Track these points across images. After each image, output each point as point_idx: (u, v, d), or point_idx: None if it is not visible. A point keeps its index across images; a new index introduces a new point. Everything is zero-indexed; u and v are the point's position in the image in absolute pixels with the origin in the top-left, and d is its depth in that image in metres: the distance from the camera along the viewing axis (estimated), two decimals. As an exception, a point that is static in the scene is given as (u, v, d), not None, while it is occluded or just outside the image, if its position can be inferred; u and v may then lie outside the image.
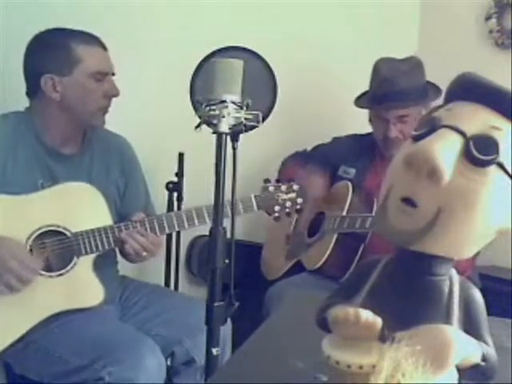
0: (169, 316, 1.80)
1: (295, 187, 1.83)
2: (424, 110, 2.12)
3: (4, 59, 1.85)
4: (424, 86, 2.14)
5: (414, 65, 2.14)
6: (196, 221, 1.75)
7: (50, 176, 1.74)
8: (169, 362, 1.79)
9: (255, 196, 1.80)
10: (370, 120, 2.21)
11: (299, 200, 1.83)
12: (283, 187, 1.82)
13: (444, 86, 0.78)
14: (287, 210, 1.83)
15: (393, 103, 2.08)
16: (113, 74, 1.78)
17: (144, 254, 1.73)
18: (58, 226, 1.68)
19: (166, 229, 1.75)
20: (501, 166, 0.68)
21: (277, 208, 1.82)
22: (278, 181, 1.86)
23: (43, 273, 1.64)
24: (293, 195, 1.82)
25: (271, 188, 1.82)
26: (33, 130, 1.75)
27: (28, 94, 1.78)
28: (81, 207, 1.73)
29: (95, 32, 1.78)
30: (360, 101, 2.23)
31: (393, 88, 2.08)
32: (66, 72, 1.70)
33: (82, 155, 1.83)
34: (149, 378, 1.57)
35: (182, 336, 1.75)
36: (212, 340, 1.33)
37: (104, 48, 1.76)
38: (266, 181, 1.84)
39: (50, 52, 1.70)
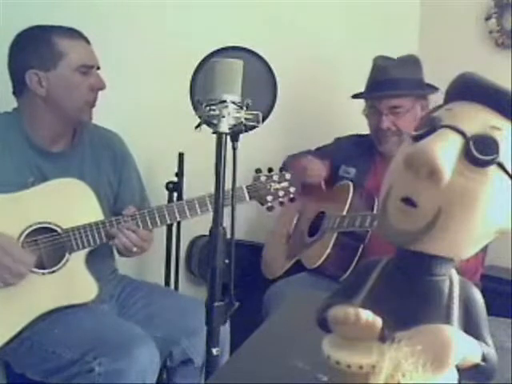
0: (167, 317, 1.78)
1: (287, 176, 1.82)
2: (419, 106, 2.13)
3: (3, 59, 1.85)
4: (419, 80, 2.17)
5: (409, 59, 2.19)
6: (188, 213, 1.74)
7: (40, 175, 1.73)
8: (168, 362, 1.79)
9: (247, 186, 1.79)
10: (365, 112, 2.22)
11: (292, 189, 1.81)
12: (275, 176, 1.81)
13: (444, 86, 0.78)
14: (280, 199, 1.82)
15: (384, 92, 2.11)
16: (98, 68, 1.78)
17: (134, 249, 1.73)
18: (49, 223, 1.67)
19: (158, 222, 1.74)
20: (501, 166, 0.68)
21: (269, 198, 1.81)
22: (269, 170, 1.83)
23: (36, 270, 1.64)
24: (285, 184, 1.81)
25: (263, 178, 1.81)
26: (21, 130, 1.75)
27: (14, 93, 1.77)
28: (71, 203, 1.72)
29: (95, 32, 1.78)
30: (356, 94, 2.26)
31: (385, 77, 2.13)
32: (50, 67, 1.69)
33: (73, 153, 1.82)
34: (140, 368, 1.56)
35: (179, 336, 1.75)
36: (212, 340, 1.33)
37: (87, 41, 1.75)
38: (258, 171, 1.82)
39: (33, 48, 1.70)
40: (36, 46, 1.70)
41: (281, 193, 1.81)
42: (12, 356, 1.69)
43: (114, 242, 1.72)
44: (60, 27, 1.73)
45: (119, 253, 1.84)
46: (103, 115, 1.84)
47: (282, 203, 1.84)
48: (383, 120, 2.11)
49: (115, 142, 1.93)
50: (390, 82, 2.11)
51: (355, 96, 2.25)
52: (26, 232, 1.65)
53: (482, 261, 2.07)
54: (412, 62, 2.18)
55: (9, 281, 1.58)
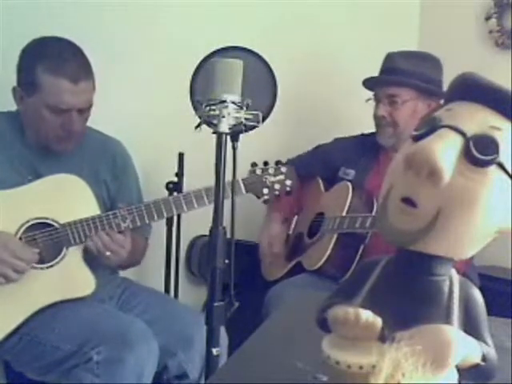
0: (164, 326, 1.76)
1: (283, 169, 1.81)
2: (422, 104, 2.09)
3: (5, 59, 1.85)
4: (425, 77, 2.09)
5: (423, 56, 2.16)
6: (185, 207, 1.75)
7: (37, 175, 1.73)
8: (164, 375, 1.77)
9: (243, 179, 1.79)
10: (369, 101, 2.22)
11: (288, 182, 1.81)
12: (271, 170, 1.81)
13: (444, 86, 0.78)
14: (276, 192, 1.81)
15: (384, 77, 2.12)
16: (84, 110, 1.71)
17: (107, 253, 1.69)
18: (47, 218, 1.68)
19: (155, 216, 1.74)
20: (501, 166, 0.68)
21: (265, 191, 1.80)
22: (265, 164, 1.83)
23: (34, 265, 1.65)
24: (281, 177, 1.81)
25: (259, 171, 1.81)
26: (21, 130, 1.76)
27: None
28: (68, 198, 1.73)
29: (95, 32, 1.78)
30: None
31: (389, 65, 2.12)
32: (28, 93, 1.69)
33: (72, 155, 1.81)
34: (138, 358, 1.56)
35: (176, 348, 1.73)
36: (212, 340, 1.33)
37: (74, 81, 1.66)
38: (254, 164, 1.82)
39: (23, 69, 1.70)
40: (25, 69, 1.69)
41: (277, 185, 1.81)
42: (11, 353, 1.69)
43: (87, 244, 1.70)
44: (51, 57, 1.66)
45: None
46: (103, 116, 1.84)
47: (278, 196, 1.84)
48: (379, 107, 2.11)
49: (117, 150, 1.93)
50: (391, 69, 2.10)
51: (364, 84, 2.23)
52: (24, 227, 1.66)
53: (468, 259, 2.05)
54: (424, 58, 2.13)
55: (12, 277, 1.59)
